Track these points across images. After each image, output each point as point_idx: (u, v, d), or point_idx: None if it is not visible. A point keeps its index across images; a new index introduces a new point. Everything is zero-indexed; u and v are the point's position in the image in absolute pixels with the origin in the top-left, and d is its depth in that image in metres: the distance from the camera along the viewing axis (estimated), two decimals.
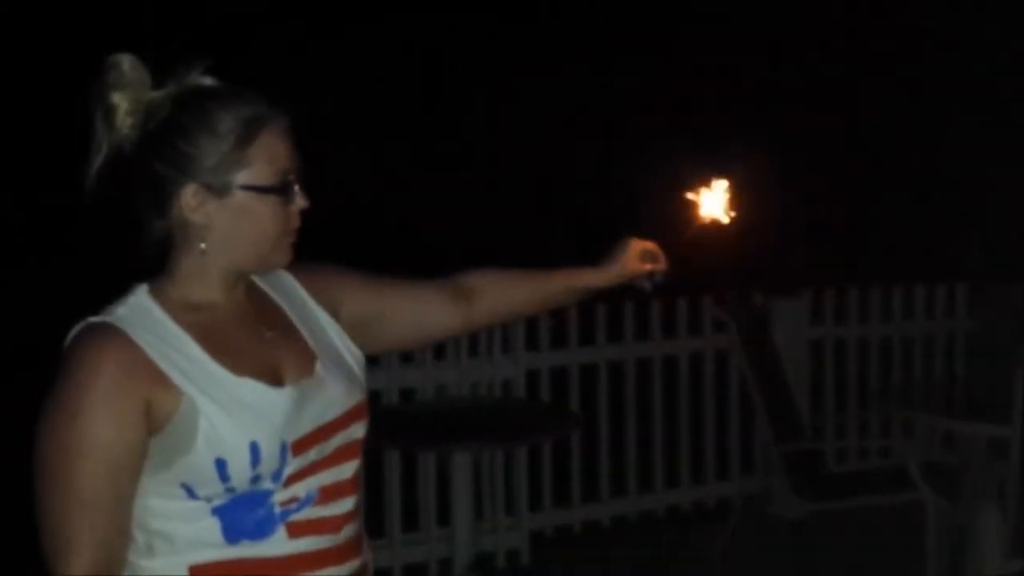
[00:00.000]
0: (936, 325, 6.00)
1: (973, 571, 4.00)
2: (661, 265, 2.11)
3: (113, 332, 1.62)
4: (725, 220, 2.11)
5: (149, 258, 1.71)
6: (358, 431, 1.80)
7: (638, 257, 2.10)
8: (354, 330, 1.88)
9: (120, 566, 1.64)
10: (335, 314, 1.87)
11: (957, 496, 4.19)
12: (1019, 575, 4.02)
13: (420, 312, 2.01)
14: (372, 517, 4.52)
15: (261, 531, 1.66)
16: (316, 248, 1.85)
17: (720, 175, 2.13)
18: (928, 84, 8.23)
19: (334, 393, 1.76)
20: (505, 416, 4.50)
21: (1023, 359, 4.00)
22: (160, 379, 1.61)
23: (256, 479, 1.64)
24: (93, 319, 1.65)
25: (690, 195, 2.13)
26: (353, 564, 1.76)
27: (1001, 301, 5.74)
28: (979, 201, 6.92)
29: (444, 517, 4.68)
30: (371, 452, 1.88)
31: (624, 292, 2.18)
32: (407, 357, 4.83)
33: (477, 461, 4.64)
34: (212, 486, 1.62)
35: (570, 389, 5.23)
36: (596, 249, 2.13)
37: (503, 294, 2.08)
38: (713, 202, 2.11)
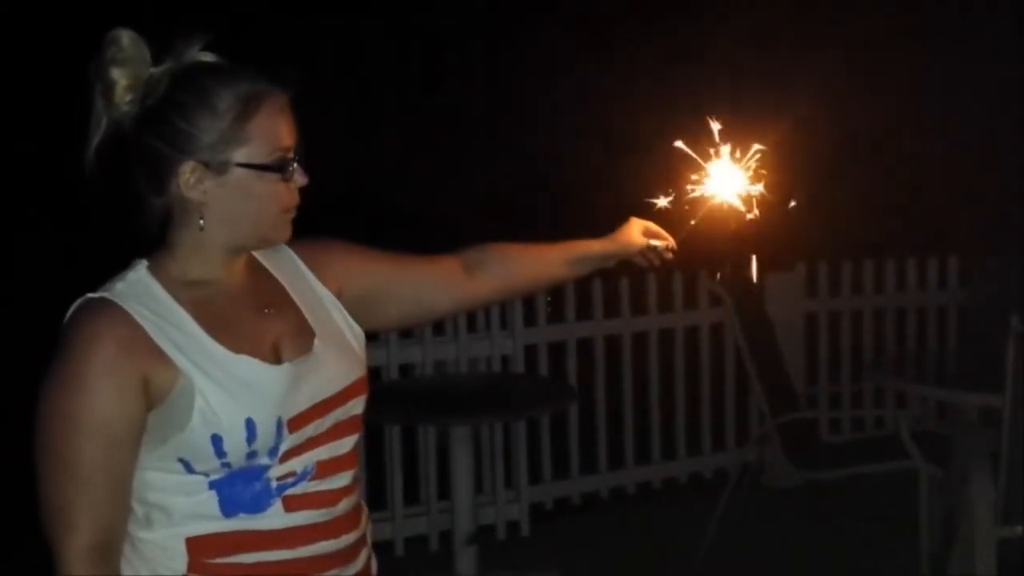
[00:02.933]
0: (928, 296, 6.02)
1: (965, 539, 4.03)
2: (667, 242, 2.09)
3: (112, 308, 1.62)
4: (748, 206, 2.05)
5: (148, 234, 1.70)
6: (357, 407, 1.79)
7: (641, 233, 2.09)
8: (356, 307, 1.86)
9: (120, 540, 1.65)
10: (337, 291, 1.85)
11: (950, 465, 4.22)
12: (1011, 542, 4.05)
13: (424, 289, 1.97)
14: (374, 490, 4.61)
15: (257, 505, 1.67)
16: (315, 227, 1.85)
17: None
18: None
19: (332, 370, 1.75)
20: (504, 390, 4.53)
21: (1014, 329, 4.03)
22: (158, 356, 1.61)
23: (252, 455, 1.64)
24: (92, 294, 1.64)
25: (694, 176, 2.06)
26: (349, 537, 1.76)
27: (992, 272, 5.76)
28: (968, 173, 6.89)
29: (444, 490, 4.71)
30: (372, 427, 1.88)
31: (620, 268, 2.15)
32: (406, 333, 4.86)
33: (477, 435, 4.67)
34: (208, 461, 1.63)
35: (568, 363, 5.25)
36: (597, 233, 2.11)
37: (508, 268, 2.04)
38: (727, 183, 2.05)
